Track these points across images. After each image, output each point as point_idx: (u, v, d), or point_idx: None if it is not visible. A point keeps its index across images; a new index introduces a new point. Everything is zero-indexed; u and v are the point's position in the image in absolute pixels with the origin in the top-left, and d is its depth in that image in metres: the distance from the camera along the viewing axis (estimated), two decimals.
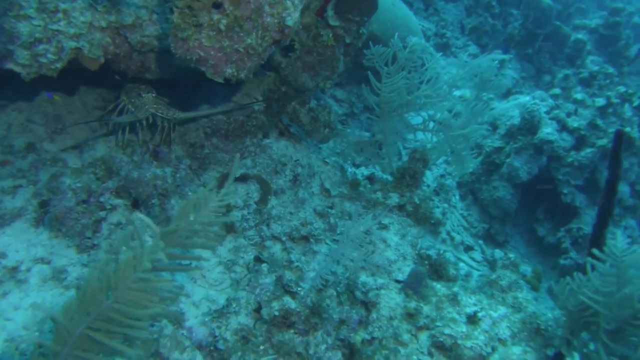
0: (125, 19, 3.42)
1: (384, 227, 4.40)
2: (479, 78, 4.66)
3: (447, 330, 3.65)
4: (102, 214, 3.84)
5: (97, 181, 3.90)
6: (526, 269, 5.99)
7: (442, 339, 3.63)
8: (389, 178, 5.71)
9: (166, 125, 4.16)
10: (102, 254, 3.84)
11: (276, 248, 4.21)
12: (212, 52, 3.04)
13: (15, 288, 3.65)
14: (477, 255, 6.10)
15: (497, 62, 4.58)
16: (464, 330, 3.68)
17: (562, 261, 5.64)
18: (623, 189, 5.81)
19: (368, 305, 4.10)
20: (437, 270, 4.38)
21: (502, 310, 3.98)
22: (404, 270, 4.32)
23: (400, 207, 4.53)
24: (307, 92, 4.24)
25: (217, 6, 2.94)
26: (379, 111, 4.43)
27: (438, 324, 3.72)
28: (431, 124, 4.51)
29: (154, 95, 4.05)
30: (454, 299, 3.98)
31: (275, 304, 3.58)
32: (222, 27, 2.95)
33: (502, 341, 3.79)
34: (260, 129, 4.34)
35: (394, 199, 4.54)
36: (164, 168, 3.98)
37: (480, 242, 6.18)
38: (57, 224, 3.74)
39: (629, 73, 7.86)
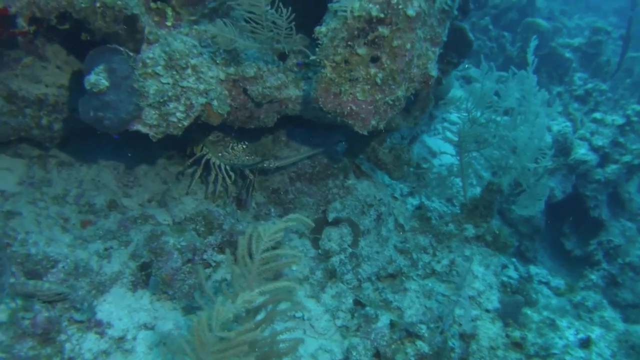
0: (247, 70, 3.30)
1: (469, 259, 4.46)
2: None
3: (568, 358, 3.75)
4: (207, 271, 3.66)
5: (198, 237, 3.71)
6: (560, 282, 6.24)
7: None
8: (436, 206, 5.79)
9: (251, 175, 4.04)
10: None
11: (370, 289, 4.17)
12: (363, 106, 2.98)
13: (123, 359, 3.42)
14: (512, 272, 6.26)
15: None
16: (582, 355, 3.79)
17: (595, 272, 5.93)
18: None
19: (465, 337, 4.15)
20: (521, 295, 4.49)
21: (597, 330, 4.13)
22: (492, 299, 4.39)
23: (478, 238, 4.60)
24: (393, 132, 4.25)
25: (374, 60, 2.90)
26: (457, 148, 4.50)
27: (555, 351, 3.81)
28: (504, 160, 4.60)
29: (244, 146, 3.92)
30: (552, 324, 4.10)
31: (410, 349, 3.55)
32: (378, 80, 2.91)
33: None
34: (342, 170, 4.29)
35: (470, 230, 4.61)
36: (274, 220, 3.84)
37: (514, 259, 6.37)
38: (165, 286, 3.53)
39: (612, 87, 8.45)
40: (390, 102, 3.05)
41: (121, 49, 3.04)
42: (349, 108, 2.98)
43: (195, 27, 3.34)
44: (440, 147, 7.19)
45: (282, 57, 3.67)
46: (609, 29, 9.32)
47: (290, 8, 2.89)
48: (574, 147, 5.95)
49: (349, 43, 2.86)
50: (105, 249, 3.67)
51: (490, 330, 4.14)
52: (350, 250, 4.11)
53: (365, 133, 3.11)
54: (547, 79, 8.48)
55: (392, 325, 3.80)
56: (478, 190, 6.41)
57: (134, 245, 3.69)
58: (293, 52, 3.61)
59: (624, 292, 5.70)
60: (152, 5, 3.32)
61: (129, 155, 4.21)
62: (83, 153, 4.13)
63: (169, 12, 3.34)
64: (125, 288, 3.60)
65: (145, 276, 3.57)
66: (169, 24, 3.32)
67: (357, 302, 4.04)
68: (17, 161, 3.94)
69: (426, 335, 3.67)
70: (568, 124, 6.18)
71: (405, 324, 3.76)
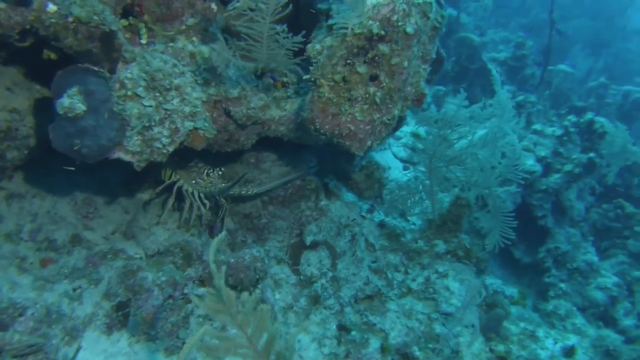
0: (231, 91, 3.10)
1: (444, 275, 4.44)
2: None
3: None
4: (190, 307, 3.40)
5: (177, 271, 3.44)
6: (513, 290, 6.39)
7: None
8: (396, 223, 5.76)
9: (224, 201, 3.83)
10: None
11: (351, 313, 4.05)
12: (361, 126, 2.88)
13: None
14: None
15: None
16: None
17: (546, 279, 6.13)
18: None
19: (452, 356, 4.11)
20: (494, 308, 4.53)
21: (573, 338, 4.23)
22: (470, 314, 4.39)
23: (449, 253, 4.60)
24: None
25: (373, 78, 2.81)
26: (427, 164, 4.49)
27: None
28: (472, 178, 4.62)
29: (220, 173, 3.71)
30: (532, 336, 4.15)
31: None
32: (377, 100, 2.82)
33: None
34: (314, 191, 4.17)
35: (441, 246, 4.60)
36: (258, 248, 3.63)
37: None
38: (146, 326, 3.24)
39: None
40: (387, 122, 2.97)
41: (96, 68, 2.77)
42: (347, 129, 2.87)
43: (172, 44, 3.11)
44: (388, 162, 7.21)
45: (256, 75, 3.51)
46: (530, 43, 9.86)
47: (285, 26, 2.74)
48: (522, 158, 6.17)
49: (348, 61, 2.76)
50: (74, 289, 3.32)
51: (472, 346, 4.13)
52: (330, 274, 3.98)
53: (361, 154, 3.02)
54: (481, 92, 8.80)
55: (382, 349, 3.69)
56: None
57: (106, 283, 3.36)
58: (268, 71, 3.46)
59: (574, 297, 5.92)
60: (124, 21, 3.06)
61: (86, 184, 3.86)
62: (33, 183, 3.75)
63: (143, 28, 3.09)
64: (99, 331, 3.27)
65: (122, 317, 3.26)
66: (143, 41, 3.07)
67: (341, 327, 3.90)
68: None
69: (421, 357, 3.60)
70: (514, 136, 6.39)
71: (396, 346, 3.66)
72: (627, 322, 5.53)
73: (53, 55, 2.93)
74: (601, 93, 10.33)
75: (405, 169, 7.17)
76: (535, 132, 6.66)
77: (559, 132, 6.54)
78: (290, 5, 2.54)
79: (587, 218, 6.95)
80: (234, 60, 2.70)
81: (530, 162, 6.15)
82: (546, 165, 6.39)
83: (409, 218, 6.48)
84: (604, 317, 5.85)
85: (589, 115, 6.83)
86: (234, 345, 1.92)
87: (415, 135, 7.66)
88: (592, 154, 6.14)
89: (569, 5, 18.47)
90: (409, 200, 4.80)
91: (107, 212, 3.91)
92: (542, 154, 6.36)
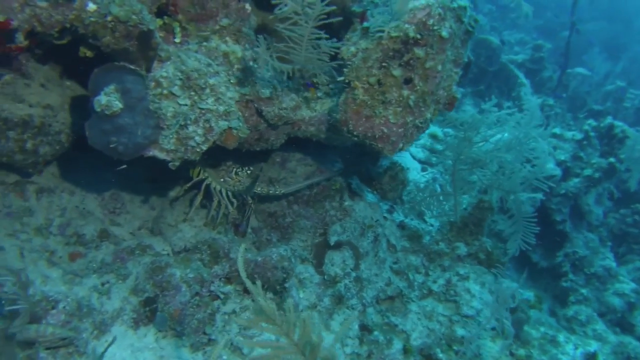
0: (263, 91, 3.12)
1: (465, 277, 4.45)
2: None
3: None
4: (216, 304, 3.42)
5: (205, 268, 3.47)
6: (529, 294, 6.39)
7: None
8: (416, 224, 5.77)
9: (250, 200, 3.86)
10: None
11: (373, 313, 4.07)
12: (394, 129, 2.90)
13: None
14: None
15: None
16: None
17: (563, 284, 6.12)
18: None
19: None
20: (514, 312, 4.53)
21: (594, 344, 4.22)
22: (490, 317, 4.39)
23: (470, 256, 4.61)
24: None
25: (407, 81, 2.82)
26: (451, 165, 4.50)
27: None
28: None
29: (248, 172, 3.73)
30: (553, 340, 4.15)
31: None
32: (411, 103, 2.83)
33: None
34: (338, 192, 4.18)
35: (462, 248, 4.61)
36: (285, 247, 3.66)
37: None
38: (173, 322, 3.26)
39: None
40: (419, 125, 2.98)
41: (132, 67, 2.79)
42: (380, 131, 2.89)
43: (205, 43, 3.14)
44: (406, 163, 7.21)
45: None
46: (548, 46, 9.85)
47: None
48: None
49: (384, 64, 2.77)
50: (103, 284, 3.36)
51: (492, 349, 4.14)
52: (354, 274, 3.99)
53: (393, 156, 3.03)
54: (498, 94, 8.79)
55: (405, 350, 3.71)
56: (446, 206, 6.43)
57: (134, 278, 3.40)
58: (299, 72, 3.47)
59: (592, 302, 5.91)
60: (158, 21, 3.09)
61: (113, 180, 3.90)
62: (62, 178, 3.79)
63: (177, 27, 3.11)
64: (126, 326, 3.31)
65: (150, 312, 3.29)
66: (177, 40, 3.10)
67: (364, 328, 3.92)
68: None
69: (444, 359, 3.61)
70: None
71: (418, 348, 3.68)
72: None
73: (89, 53, 2.96)
74: (619, 96, 10.28)
75: (423, 170, 7.17)
76: (555, 135, 6.65)
77: (578, 136, 6.53)
78: (342, 18, 2.56)
79: (605, 223, 6.93)
80: (272, 62, 2.72)
81: (551, 166, 6.14)
82: (565, 170, 6.38)
83: (427, 219, 6.49)
84: (621, 323, 5.84)
85: (609, 120, 6.81)
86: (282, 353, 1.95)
87: (433, 137, 7.66)
88: (612, 159, 6.13)
89: (585, 7, 18.35)
90: (430, 202, 4.80)
91: (133, 208, 3.95)
92: (562, 157, 6.36)
